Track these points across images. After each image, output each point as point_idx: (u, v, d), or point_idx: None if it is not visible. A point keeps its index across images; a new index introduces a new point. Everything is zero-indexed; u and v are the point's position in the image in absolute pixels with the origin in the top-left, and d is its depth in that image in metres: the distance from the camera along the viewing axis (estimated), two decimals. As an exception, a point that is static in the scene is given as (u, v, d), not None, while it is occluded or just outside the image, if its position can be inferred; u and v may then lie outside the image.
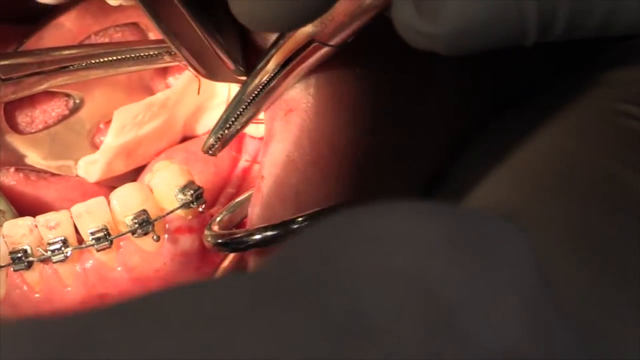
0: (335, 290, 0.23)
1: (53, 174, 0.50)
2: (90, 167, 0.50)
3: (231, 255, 0.44)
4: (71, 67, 0.47)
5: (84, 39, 0.50)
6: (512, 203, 0.46)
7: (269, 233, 0.40)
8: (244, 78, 0.41)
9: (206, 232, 0.43)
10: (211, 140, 0.42)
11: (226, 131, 0.41)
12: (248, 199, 0.44)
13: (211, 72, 0.42)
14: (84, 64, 0.47)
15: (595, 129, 0.49)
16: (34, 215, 0.46)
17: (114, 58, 0.47)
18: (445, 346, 0.22)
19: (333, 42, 0.39)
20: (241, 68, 0.41)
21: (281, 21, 0.31)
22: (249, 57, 0.41)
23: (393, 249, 0.24)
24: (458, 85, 0.50)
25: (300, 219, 0.40)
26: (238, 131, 0.42)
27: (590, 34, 0.34)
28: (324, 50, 0.39)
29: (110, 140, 0.50)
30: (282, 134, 0.42)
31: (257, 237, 0.40)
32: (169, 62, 0.48)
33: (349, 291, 0.23)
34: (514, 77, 0.56)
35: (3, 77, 0.46)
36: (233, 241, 0.41)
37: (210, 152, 0.42)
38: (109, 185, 0.51)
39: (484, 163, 0.50)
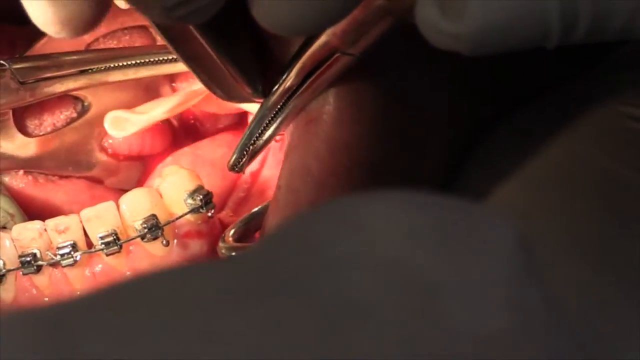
0: (319, 277, 0.23)
1: (62, 177, 0.50)
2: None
3: None
4: (90, 70, 0.47)
5: (92, 42, 0.50)
6: (520, 209, 0.47)
7: None
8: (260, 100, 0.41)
9: (220, 244, 0.43)
10: (236, 157, 0.42)
11: (251, 147, 0.41)
12: (263, 210, 0.44)
13: (228, 94, 0.41)
14: (102, 68, 0.47)
15: (605, 133, 0.50)
16: (42, 218, 0.46)
17: (133, 62, 0.47)
18: (428, 330, 0.22)
19: (354, 50, 0.39)
20: (259, 88, 0.41)
21: (304, 23, 0.31)
22: (267, 77, 0.41)
23: (377, 235, 0.24)
24: (468, 89, 0.50)
25: None
26: (263, 146, 0.41)
27: (611, 37, 0.34)
28: (345, 59, 0.39)
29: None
30: (301, 145, 0.42)
31: None
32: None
33: (332, 277, 0.23)
34: (523, 80, 0.56)
35: (21, 81, 0.46)
36: None
37: (236, 169, 0.42)
38: (117, 188, 0.51)
39: (493, 167, 0.50)
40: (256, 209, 0.45)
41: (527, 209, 0.46)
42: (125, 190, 0.49)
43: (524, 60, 0.56)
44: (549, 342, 0.24)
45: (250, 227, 0.44)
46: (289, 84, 0.40)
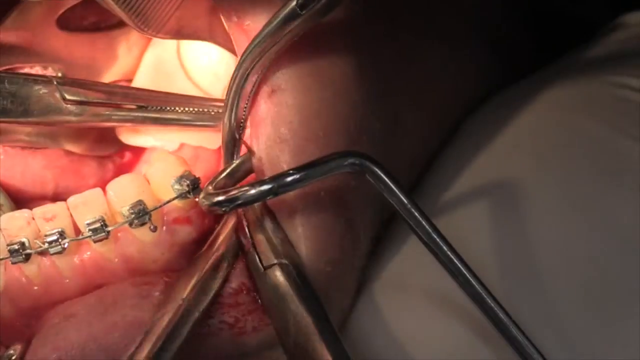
0: None
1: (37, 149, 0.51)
2: None
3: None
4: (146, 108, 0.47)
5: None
6: (513, 172, 0.46)
7: (264, 187, 0.39)
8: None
9: (201, 196, 0.42)
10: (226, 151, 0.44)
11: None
12: (243, 162, 0.44)
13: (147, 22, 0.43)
14: (157, 108, 0.47)
15: (595, 100, 0.50)
16: (23, 186, 0.47)
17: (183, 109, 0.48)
18: None
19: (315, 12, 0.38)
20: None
21: None
22: None
23: None
24: (457, 62, 0.50)
25: (292, 171, 0.39)
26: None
27: None
28: (302, 20, 0.38)
29: None
30: (269, 115, 0.42)
31: (252, 192, 0.39)
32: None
33: None
34: (512, 53, 0.56)
35: (65, 98, 0.46)
36: (229, 198, 0.40)
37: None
38: (95, 154, 0.52)
39: (485, 134, 0.50)
40: (236, 163, 0.44)
41: (518, 175, 0.46)
42: (104, 157, 0.49)
43: (513, 33, 0.56)
44: None
45: (230, 181, 0.44)
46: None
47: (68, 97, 0.46)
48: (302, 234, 0.42)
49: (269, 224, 0.43)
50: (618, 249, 0.43)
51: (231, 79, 0.41)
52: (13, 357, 0.43)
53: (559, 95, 0.50)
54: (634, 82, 0.50)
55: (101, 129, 0.53)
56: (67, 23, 0.51)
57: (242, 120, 0.43)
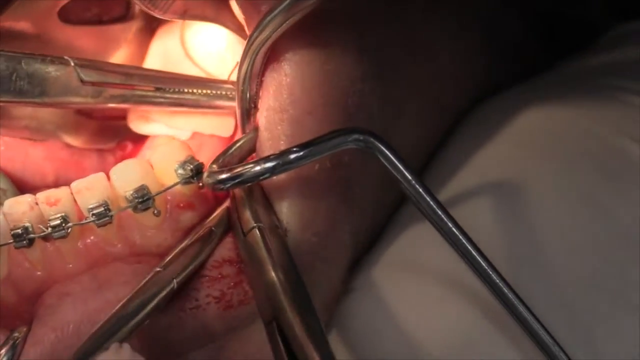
0: None
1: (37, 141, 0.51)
2: None
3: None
4: (164, 89, 0.47)
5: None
6: (513, 170, 0.47)
7: (268, 164, 0.39)
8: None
9: (205, 174, 0.42)
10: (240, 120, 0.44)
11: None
12: (247, 142, 0.44)
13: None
14: (176, 90, 0.47)
15: (597, 103, 0.50)
16: (25, 176, 0.47)
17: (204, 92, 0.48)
18: None
19: None
20: None
21: None
22: None
23: None
24: (456, 53, 0.50)
25: (295, 148, 0.39)
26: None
27: None
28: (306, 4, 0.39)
29: None
30: (272, 86, 0.42)
31: (257, 169, 0.40)
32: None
33: None
34: (516, 52, 0.57)
35: (82, 79, 0.46)
36: (232, 176, 0.40)
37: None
38: (94, 147, 0.52)
39: (489, 129, 0.50)
40: (240, 142, 0.44)
41: (519, 173, 0.47)
42: (104, 150, 0.50)
43: (518, 32, 0.56)
44: None
45: (233, 158, 0.44)
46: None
47: (86, 78, 0.46)
48: (288, 204, 0.43)
49: (256, 193, 0.43)
50: (618, 241, 0.44)
51: (242, 57, 0.42)
52: (17, 340, 0.43)
53: (563, 96, 0.51)
54: (635, 86, 0.51)
55: (102, 120, 0.53)
56: (69, 15, 0.51)
57: (255, 96, 0.43)
